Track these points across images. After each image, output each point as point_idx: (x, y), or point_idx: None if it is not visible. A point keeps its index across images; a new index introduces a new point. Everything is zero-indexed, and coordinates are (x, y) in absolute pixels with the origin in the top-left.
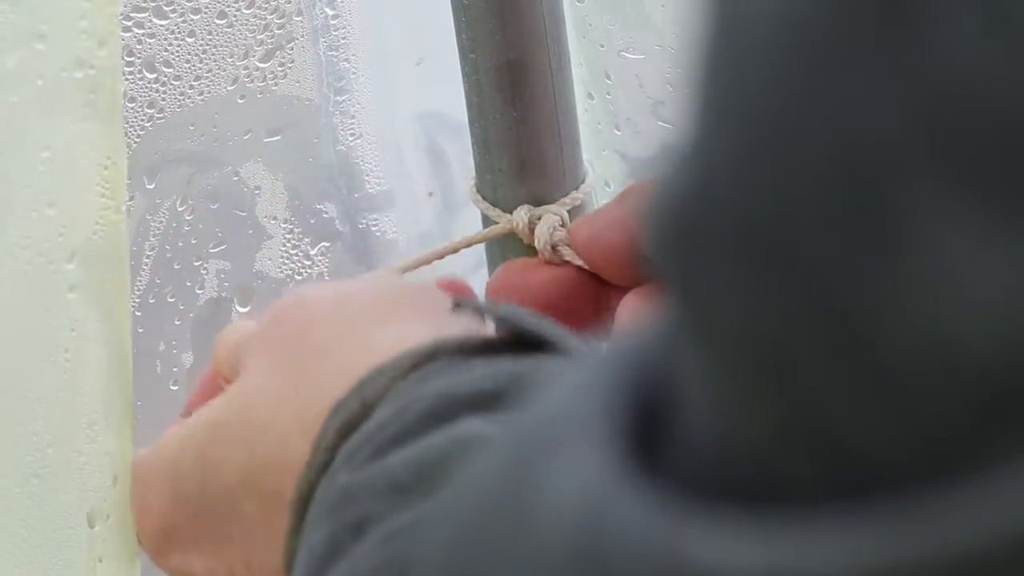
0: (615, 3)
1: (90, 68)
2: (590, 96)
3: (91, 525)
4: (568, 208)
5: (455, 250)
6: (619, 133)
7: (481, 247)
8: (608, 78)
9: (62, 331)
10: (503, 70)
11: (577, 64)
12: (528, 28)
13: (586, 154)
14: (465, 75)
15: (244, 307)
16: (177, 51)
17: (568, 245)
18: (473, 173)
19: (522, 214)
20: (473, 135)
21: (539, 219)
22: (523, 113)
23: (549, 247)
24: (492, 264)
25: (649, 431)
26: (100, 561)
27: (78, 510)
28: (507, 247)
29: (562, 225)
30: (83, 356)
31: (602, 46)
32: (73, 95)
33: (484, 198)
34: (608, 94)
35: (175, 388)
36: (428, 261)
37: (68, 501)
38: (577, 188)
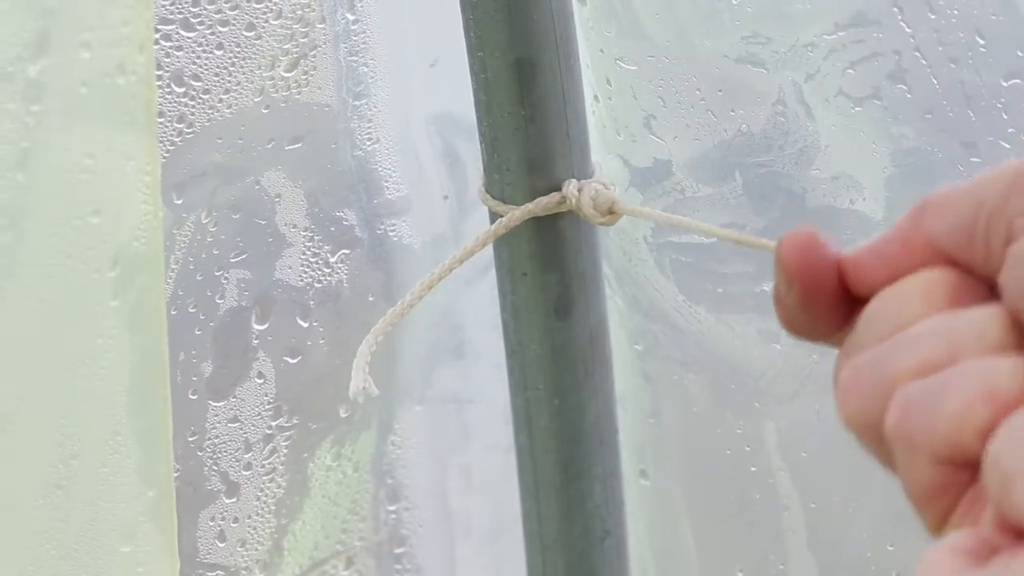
0: (610, 10)
1: (131, 74)
2: (596, 99)
3: (115, 535)
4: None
5: (483, 244)
6: (620, 138)
7: (489, 249)
8: (609, 83)
9: (102, 340)
10: (511, 68)
11: (584, 65)
12: (536, 26)
13: (594, 155)
14: (473, 73)
15: (262, 324)
16: (206, 64)
17: (618, 201)
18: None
19: (572, 188)
20: (481, 134)
21: (580, 190)
22: (531, 112)
23: (606, 207)
24: (501, 265)
25: None
26: (133, 568)
27: (101, 521)
28: (514, 247)
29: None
30: (115, 365)
31: (602, 51)
32: (114, 101)
33: (493, 197)
34: (610, 99)
35: (194, 397)
36: (454, 266)
37: (91, 512)
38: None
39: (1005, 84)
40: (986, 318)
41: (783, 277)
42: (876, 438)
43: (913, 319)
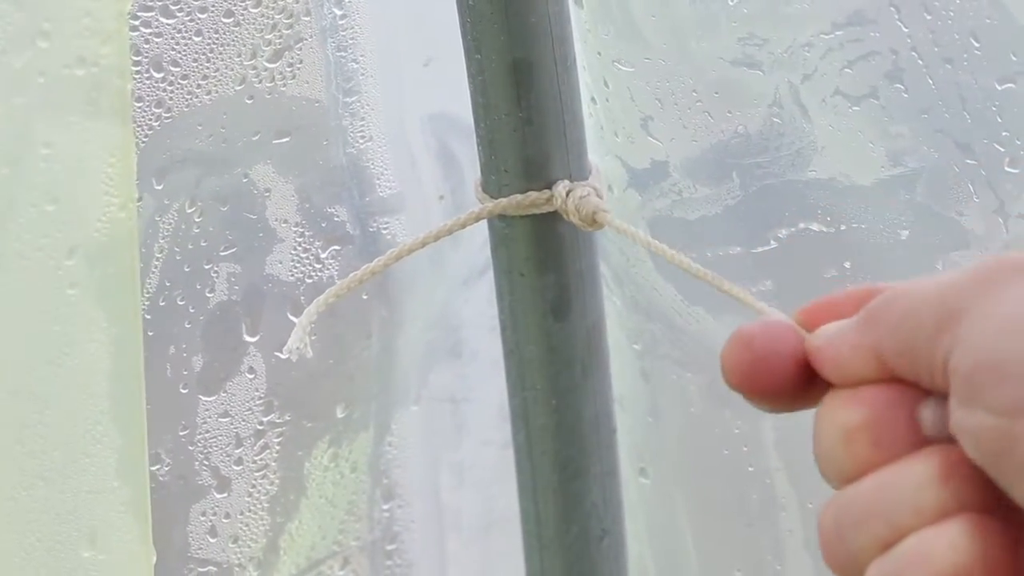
0: (607, 12)
1: (93, 66)
2: (593, 100)
3: (95, 526)
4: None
5: (463, 225)
6: (618, 139)
7: (487, 252)
8: (606, 85)
9: (62, 327)
10: (508, 70)
11: (581, 67)
12: (533, 28)
13: (591, 156)
14: (470, 75)
15: (253, 336)
16: (184, 50)
17: (604, 211)
18: (479, 173)
19: (561, 189)
20: (479, 135)
21: (569, 193)
22: (528, 113)
23: (589, 216)
24: (498, 266)
25: None
26: (105, 559)
27: (83, 512)
28: (512, 248)
29: (598, 196)
30: (89, 354)
31: (599, 53)
32: (75, 93)
33: (491, 198)
34: (607, 100)
35: (184, 391)
36: (435, 238)
37: (73, 503)
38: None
39: (999, 87)
40: (920, 483)
41: (736, 390)
42: None
43: (854, 465)
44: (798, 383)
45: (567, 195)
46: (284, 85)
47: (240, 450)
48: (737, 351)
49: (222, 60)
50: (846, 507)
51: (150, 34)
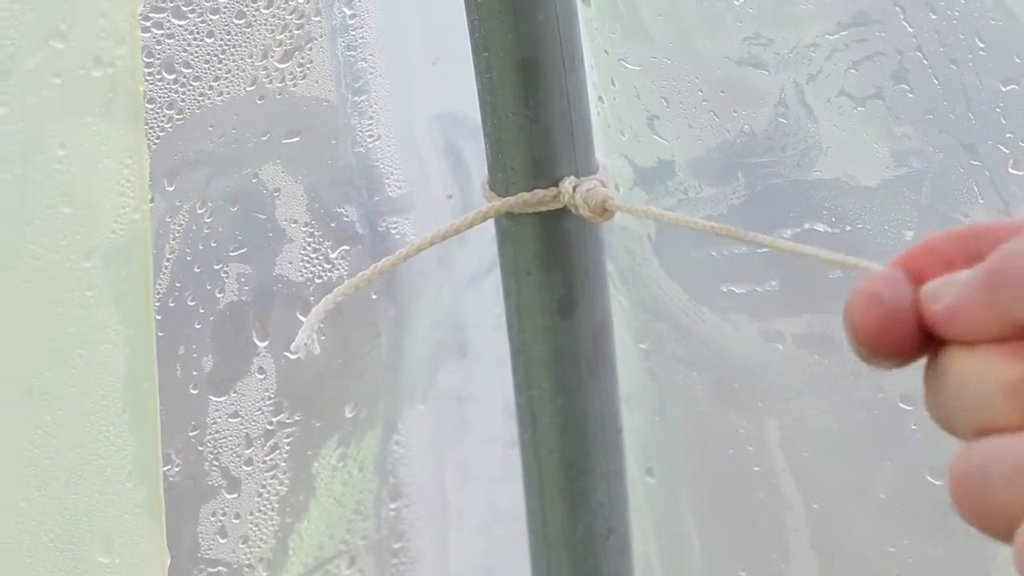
0: (614, 10)
1: (108, 67)
2: (601, 99)
3: (109, 528)
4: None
5: (471, 224)
6: (624, 138)
7: (494, 250)
8: (613, 84)
9: (78, 329)
10: (516, 69)
11: (589, 66)
12: (541, 27)
13: (599, 155)
14: (478, 73)
15: (262, 337)
16: (196, 51)
17: (612, 198)
18: (486, 172)
19: (567, 184)
20: (486, 133)
21: (576, 187)
22: (536, 112)
23: (599, 205)
24: (505, 265)
25: None
26: (119, 562)
27: (96, 514)
28: (519, 247)
29: (603, 186)
30: (103, 356)
31: (606, 52)
32: (91, 94)
33: (498, 196)
34: (614, 99)
35: (195, 392)
36: (443, 237)
37: (87, 504)
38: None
39: (1004, 89)
40: None
41: (861, 350)
42: (994, 534)
43: (997, 420)
44: (921, 336)
45: (574, 190)
46: (294, 85)
47: (250, 450)
48: (867, 308)
49: (234, 61)
50: (1001, 455)
51: (162, 35)
